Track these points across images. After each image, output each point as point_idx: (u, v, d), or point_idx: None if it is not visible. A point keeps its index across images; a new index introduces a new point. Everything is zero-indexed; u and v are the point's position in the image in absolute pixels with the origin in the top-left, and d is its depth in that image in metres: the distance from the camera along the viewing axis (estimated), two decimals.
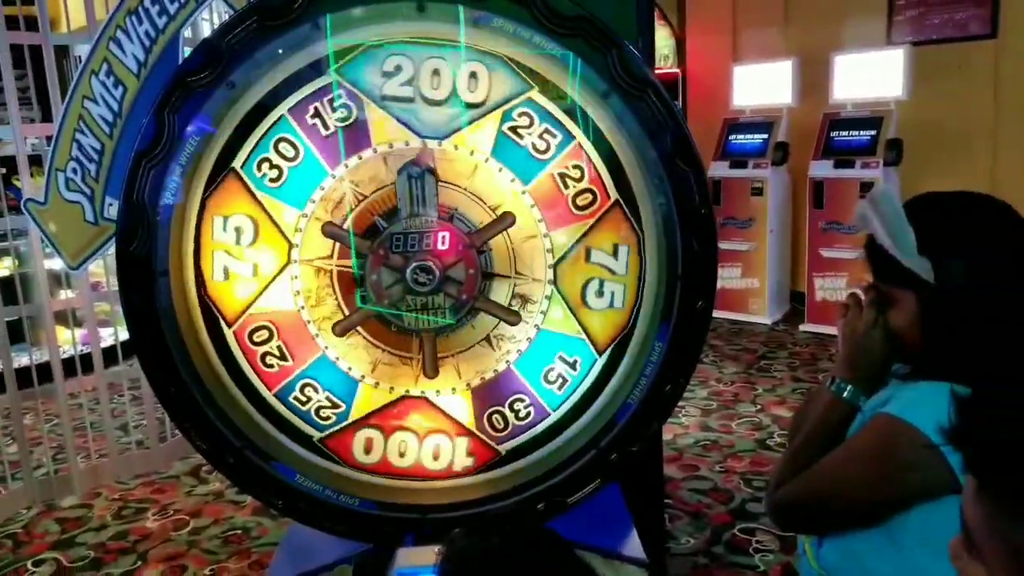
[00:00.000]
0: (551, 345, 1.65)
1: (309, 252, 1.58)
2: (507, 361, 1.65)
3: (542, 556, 0.94)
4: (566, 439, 1.66)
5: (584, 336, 1.63)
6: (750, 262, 5.63)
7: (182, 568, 2.73)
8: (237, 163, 1.52)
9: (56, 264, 3.79)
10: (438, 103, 1.55)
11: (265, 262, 1.58)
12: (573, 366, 1.65)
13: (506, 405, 1.66)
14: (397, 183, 1.57)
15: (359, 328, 1.63)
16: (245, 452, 1.61)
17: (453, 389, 1.65)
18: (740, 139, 5.73)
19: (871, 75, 5.19)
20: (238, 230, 1.56)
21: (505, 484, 1.66)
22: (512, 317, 1.63)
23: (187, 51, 1.74)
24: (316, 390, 1.64)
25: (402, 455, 1.66)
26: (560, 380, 1.65)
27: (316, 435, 1.64)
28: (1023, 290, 1.07)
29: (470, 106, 1.54)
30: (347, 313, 1.61)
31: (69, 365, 3.39)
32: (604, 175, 1.57)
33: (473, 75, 1.54)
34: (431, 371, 1.64)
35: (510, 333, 1.64)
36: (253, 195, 1.54)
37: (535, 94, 1.54)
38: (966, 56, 5.15)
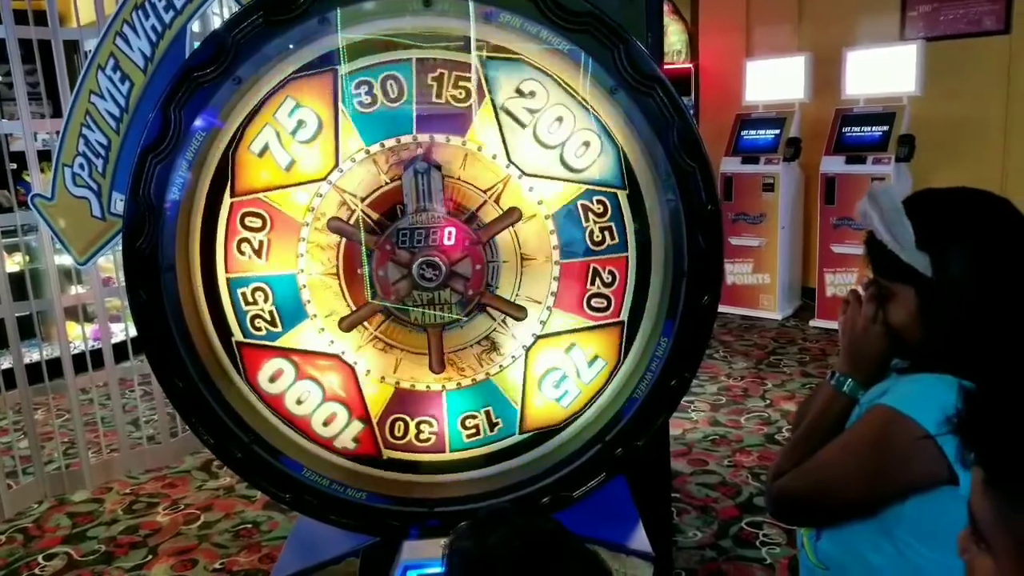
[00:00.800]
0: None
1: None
2: (486, 373, 1.66)
3: (548, 548, 0.94)
4: (572, 433, 1.66)
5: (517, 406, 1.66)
6: (761, 258, 5.61)
7: (192, 562, 2.75)
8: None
9: (67, 260, 3.82)
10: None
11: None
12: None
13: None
14: (403, 179, 1.57)
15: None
16: (252, 447, 1.62)
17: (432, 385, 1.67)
18: (752, 135, 5.70)
19: (884, 71, 5.15)
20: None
21: (511, 478, 1.66)
22: (518, 313, 1.63)
23: (195, 46, 1.74)
24: (266, 298, 1.61)
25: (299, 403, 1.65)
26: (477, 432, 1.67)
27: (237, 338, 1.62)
28: (1020, 284, 1.07)
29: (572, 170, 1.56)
30: (352, 307, 1.61)
31: (80, 360, 3.42)
32: (629, 290, 1.60)
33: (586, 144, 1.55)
34: (437, 366, 1.64)
35: (505, 341, 1.64)
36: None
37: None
38: (979, 52, 5.11)
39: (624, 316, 1.62)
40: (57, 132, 1.76)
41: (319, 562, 1.66)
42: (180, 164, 1.50)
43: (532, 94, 1.54)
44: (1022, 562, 0.62)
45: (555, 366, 1.65)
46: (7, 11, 2.93)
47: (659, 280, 1.60)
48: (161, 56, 1.53)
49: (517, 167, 1.56)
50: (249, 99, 1.52)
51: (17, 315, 3.20)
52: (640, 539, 1.69)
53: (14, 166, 3.23)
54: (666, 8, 6.12)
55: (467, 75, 1.53)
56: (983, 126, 5.10)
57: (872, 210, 1.12)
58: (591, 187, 1.56)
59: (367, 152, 1.56)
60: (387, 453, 1.67)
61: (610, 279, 1.60)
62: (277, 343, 1.62)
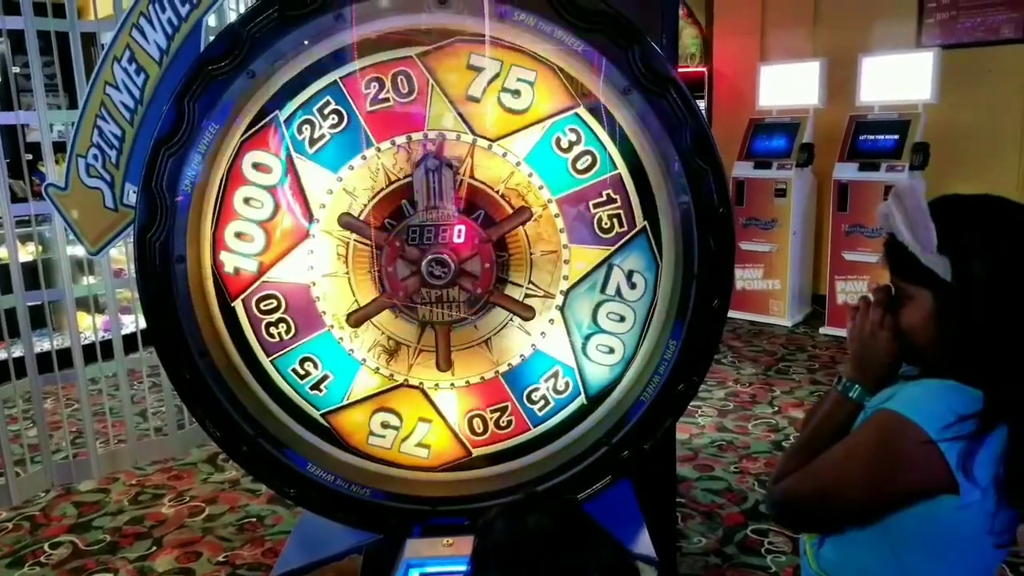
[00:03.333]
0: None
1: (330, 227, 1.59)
2: (496, 371, 1.66)
3: (582, 530, 0.94)
4: (578, 435, 1.66)
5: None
6: (772, 263, 5.58)
7: (196, 554, 2.76)
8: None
9: (79, 251, 3.84)
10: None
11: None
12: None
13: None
14: (414, 176, 1.57)
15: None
16: (258, 440, 1.62)
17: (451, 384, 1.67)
18: (765, 139, 5.68)
19: (899, 78, 5.12)
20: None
21: (516, 478, 1.66)
22: (526, 312, 1.63)
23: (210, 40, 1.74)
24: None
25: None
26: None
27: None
28: None
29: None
30: (360, 301, 1.62)
31: (90, 351, 3.43)
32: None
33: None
34: (444, 364, 1.64)
35: (506, 344, 1.64)
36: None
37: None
38: (996, 60, 5.07)
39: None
40: (73, 123, 1.77)
41: (322, 558, 1.66)
42: (193, 156, 1.51)
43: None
44: None
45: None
46: (27, 2, 2.96)
47: (669, 282, 1.60)
48: (176, 49, 1.54)
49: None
50: (263, 93, 1.52)
51: (29, 304, 3.22)
52: (644, 543, 1.68)
53: (29, 157, 3.25)
54: (680, 11, 6.11)
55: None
56: (999, 135, 5.06)
57: (896, 209, 1.11)
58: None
59: (378, 149, 1.56)
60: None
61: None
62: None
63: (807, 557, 1.30)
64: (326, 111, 1.54)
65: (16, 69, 3.33)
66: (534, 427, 1.68)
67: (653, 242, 1.59)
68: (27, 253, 4.04)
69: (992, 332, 1.06)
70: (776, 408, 4.06)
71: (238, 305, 1.60)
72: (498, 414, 1.67)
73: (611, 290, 1.62)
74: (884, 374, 1.21)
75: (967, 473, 1.03)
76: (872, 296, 1.21)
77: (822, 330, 5.38)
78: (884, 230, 1.16)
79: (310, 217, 1.58)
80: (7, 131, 3.12)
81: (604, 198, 1.58)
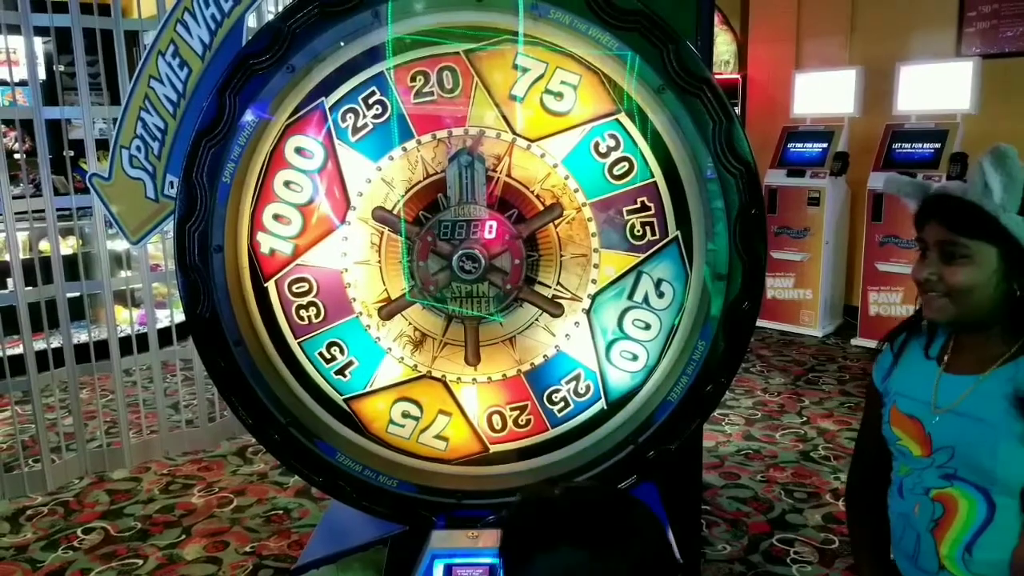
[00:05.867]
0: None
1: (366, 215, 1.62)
2: (519, 369, 1.67)
3: (619, 503, 0.91)
4: (604, 433, 1.66)
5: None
6: (804, 273, 5.53)
7: (224, 544, 2.80)
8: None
9: (118, 245, 3.92)
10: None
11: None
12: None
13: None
14: (448, 171, 1.59)
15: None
16: (290, 429, 1.65)
17: (474, 380, 1.68)
18: (799, 147, 5.62)
19: (937, 87, 5.04)
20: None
21: (539, 475, 1.66)
22: (555, 309, 1.64)
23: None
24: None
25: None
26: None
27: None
28: None
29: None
30: (390, 291, 1.63)
31: (126, 343, 3.51)
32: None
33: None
34: (472, 358, 1.65)
35: (530, 343, 1.65)
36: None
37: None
38: None
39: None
40: (115, 120, 1.82)
41: (347, 548, 1.68)
42: (233, 148, 1.54)
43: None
44: None
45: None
46: (74, 1, 3.04)
47: (698, 289, 1.60)
48: (219, 44, 1.58)
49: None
50: (302, 87, 1.55)
51: (68, 296, 3.30)
52: None
53: (71, 154, 3.33)
54: (716, 17, 6.08)
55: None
56: None
57: (996, 170, 1.16)
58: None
59: (419, 142, 1.58)
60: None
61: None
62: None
63: (949, 572, 1.24)
64: (371, 101, 1.57)
65: (61, 67, 3.41)
66: (552, 428, 1.68)
67: (684, 252, 1.59)
68: (67, 246, 4.13)
69: None
70: (805, 419, 4.02)
71: (271, 286, 1.63)
72: (517, 412, 1.68)
73: (639, 297, 1.63)
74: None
75: None
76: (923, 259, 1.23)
77: (853, 341, 5.31)
78: (958, 192, 1.19)
79: (347, 204, 1.60)
80: (51, 127, 3.20)
81: (638, 205, 1.59)
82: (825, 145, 5.49)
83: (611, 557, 0.82)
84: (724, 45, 6.45)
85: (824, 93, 5.58)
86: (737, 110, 6.22)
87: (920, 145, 5.09)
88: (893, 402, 1.31)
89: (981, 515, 1.20)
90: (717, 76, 6.10)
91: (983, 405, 1.19)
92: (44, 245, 3.58)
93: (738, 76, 6.44)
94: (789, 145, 5.66)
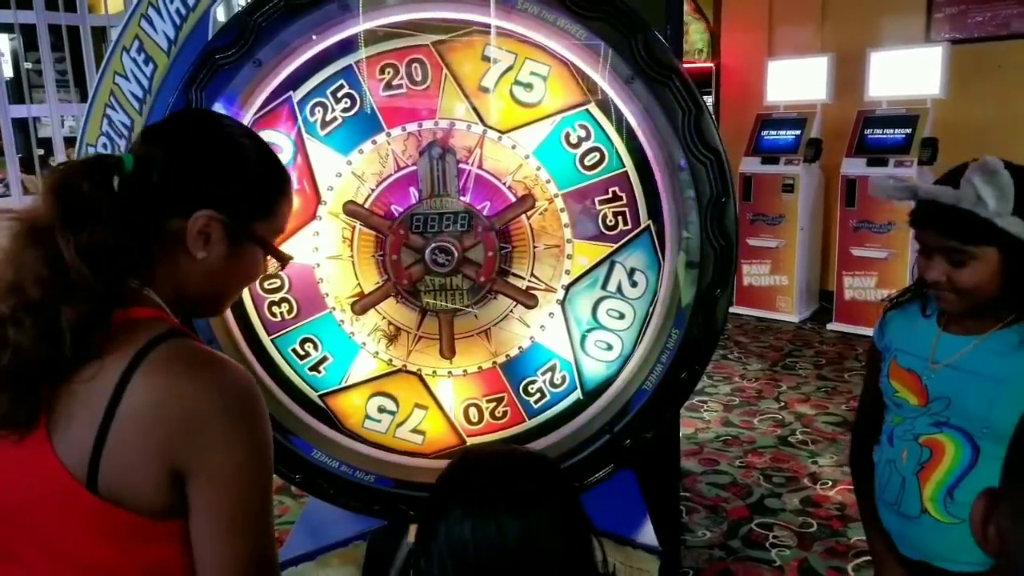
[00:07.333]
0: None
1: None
2: (494, 361, 1.66)
3: (534, 465, 0.96)
4: (581, 423, 1.66)
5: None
6: (779, 259, 5.58)
7: None
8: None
9: None
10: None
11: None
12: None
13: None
14: (419, 164, 1.58)
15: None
16: None
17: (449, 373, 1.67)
18: (772, 135, 5.67)
19: (908, 73, 5.11)
20: None
21: None
22: (530, 301, 1.64)
23: None
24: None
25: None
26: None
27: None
28: None
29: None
30: (363, 286, 1.63)
31: None
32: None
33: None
34: (447, 351, 1.65)
35: (505, 335, 1.65)
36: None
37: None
38: (1006, 55, 5.05)
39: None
40: (83, 117, 1.79)
41: (327, 544, 1.67)
42: None
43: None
44: None
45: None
46: None
47: (671, 272, 1.60)
48: (184, 39, 1.56)
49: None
50: (269, 82, 1.54)
51: None
52: (647, 533, 1.69)
53: (41, 152, 3.28)
54: (688, 7, 6.11)
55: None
56: (1009, 131, 5.03)
57: (986, 182, 1.20)
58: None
59: (389, 135, 1.57)
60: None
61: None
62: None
63: (930, 514, 1.30)
64: (339, 94, 1.56)
65: (28, 65, 3.36)
66: (529, 419, 1.68)
67: (657, 241, 1.60)
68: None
69: None
70: (783, 404, 4.06)
71: None
72: (494, 404, 1.68)
73: (612, 287, 1.63)
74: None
75: None
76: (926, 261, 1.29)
77: (829, 326, 5.37)
78: (951, 201, 1.23)
79: (318, 199, 1.59)
80: (19, 126, 3.15)
81: (610, 195, 1.59)
82: (798, 132, 5.53)
83: (526, 515, 0.85)
84: (697, 34, 6.48)
85: (796, 80, 5.63)
86: (711, 99, 6.26)
87: (891, 131, 5.15)
88: (893, 357, 1.38)
89: (966, 460, 1.27)
90: (690, 65, 6.14)
91: (982, 361, 1.26)
92: None
93: (711, 65, 6.48)
94: (763, 133, 5.70)
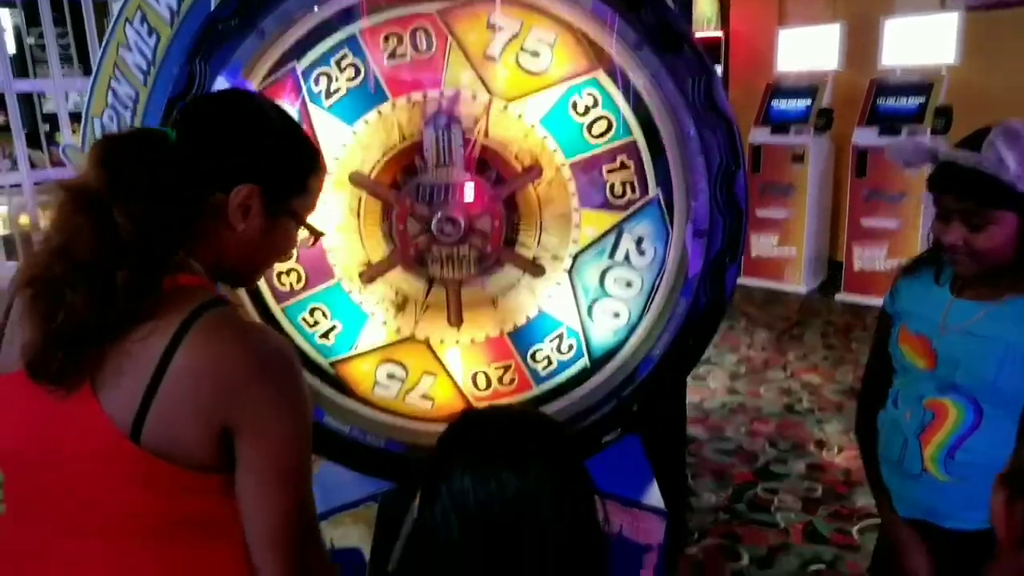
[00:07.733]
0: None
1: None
2: (502, 329, 1.68)
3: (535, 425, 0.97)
4: (588, 389, 1.68)
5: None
6: (788, 230, 5.55)
7: None
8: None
9: None
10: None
11: None
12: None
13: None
14: (424, 134, 1.58)
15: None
16: None
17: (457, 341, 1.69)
18: (782, 104, 5.61)
19: (922, 40, 5.02)
20: None
21: None
22: (537, 270, 1.65)
23: None
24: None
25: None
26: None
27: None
28: None
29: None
30: (370, 255, 1.64)
31: None
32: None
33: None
34: (455, 320, 1.66)
35: (513, 304, 1.66)
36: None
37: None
38: (1022, 22, 4.96)
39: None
40: (87, 92, 1.79)
41: (338, 505, 1.70)
42: None
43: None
44: None
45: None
46: None
47: (679, 240, 1.61)
48: (187, 10, 1.55)
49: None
50: (273, 52, 1.53)
51: None
52: (654, 495, 1.71)
53: (47, 128, 3.29)
54: None
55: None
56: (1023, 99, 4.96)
57: (1011, 147, 1.20)
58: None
59: (394, 105, 1.57)
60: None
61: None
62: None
63: (930, 473, 1.32)
64: (343, 64, 1.55)
65: (31, 40, 3.36)
66: (537, 386, 1.70)
67: (665, 210, 1.60)
68: (47, 220, 4.09)
69: None
70: (789, 373, 4.07)
71: None
72: (501, 371, 1.70)
73: (620, 256, 1.64)
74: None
75: None
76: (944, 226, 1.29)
77: (838, 296, 5.35)
78: (972, 163, 1.22)
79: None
80: (25, 101, 3.16)
81: (618, 164, 1.59)
82: (809, 101, 5.47)
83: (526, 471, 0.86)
84: (706, 2, 6.38)
85: (808, 49, 5.56)
86: (720, 68, 6.18)
87: (905, 99, 5.09)
88: (903, 322, 1.39)
89: (968, 422, 1.29)
90: (700, 33, 6.06)
91: (995, 326, 1.27)
92: (24, 219, 3.55)
93: (720, 33, 6.39)
94: (773, 102, 5.64)
